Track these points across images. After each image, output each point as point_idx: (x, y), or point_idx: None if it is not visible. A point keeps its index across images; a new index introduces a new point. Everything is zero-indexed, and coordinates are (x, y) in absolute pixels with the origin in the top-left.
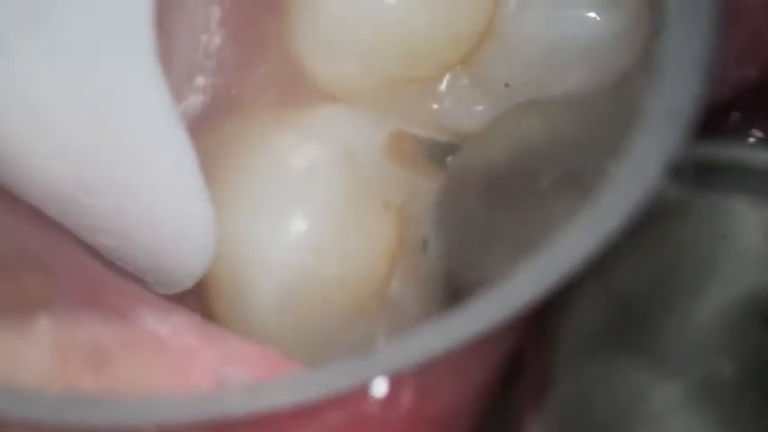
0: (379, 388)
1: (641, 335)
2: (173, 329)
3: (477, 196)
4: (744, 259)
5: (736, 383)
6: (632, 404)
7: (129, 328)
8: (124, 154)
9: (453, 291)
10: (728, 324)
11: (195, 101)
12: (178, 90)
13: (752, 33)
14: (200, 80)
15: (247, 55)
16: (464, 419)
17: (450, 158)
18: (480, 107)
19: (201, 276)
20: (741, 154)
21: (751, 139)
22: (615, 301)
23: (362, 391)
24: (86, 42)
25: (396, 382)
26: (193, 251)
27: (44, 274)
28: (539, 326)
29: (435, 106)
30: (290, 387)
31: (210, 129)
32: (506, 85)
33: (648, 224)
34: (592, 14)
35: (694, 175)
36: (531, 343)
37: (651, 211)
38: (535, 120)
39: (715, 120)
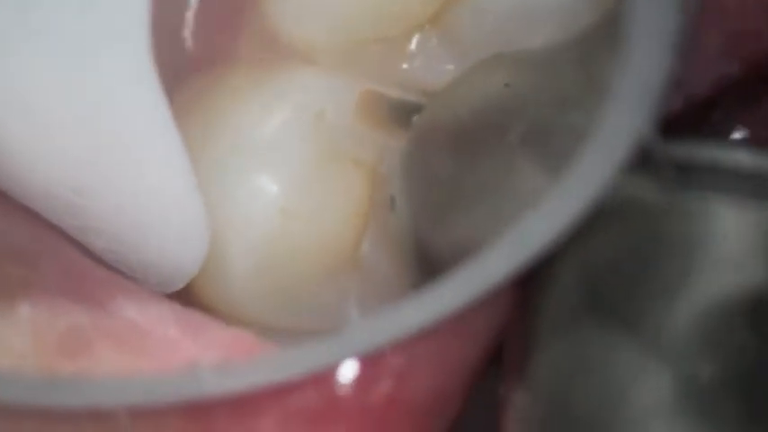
0: (352, 369)
1: (622, 325)
2: (153, 318)
3: (444, 153)
4: (724, 260)
5: (717, 384)
6: (612, 388)
7: (110, 316)
8: (120, 156)
9: (423, 250)
10: (710, 325)
11: (166, 62)
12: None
13: (734, 30)
14: (172, 41)
15: (220, 15)
16: (448, 404)
17: (415, 116)
18: (450, 66)
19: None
20: (722, 155)
21: (735, 136)
22: (595, 286)
23: (335, 372)
24: (84, 43)
25: (372, 363)
26: (186, 253)
27: (25, 264)
28: (518, 305)
29: (405, 66)
30: (262, 367)
31: (181, 89)
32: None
33: (629, 222)
34: None
35: (675, 175)
36: (512, 323)
37: (631, 208)
38: (501, 75)
39: (696, 117)
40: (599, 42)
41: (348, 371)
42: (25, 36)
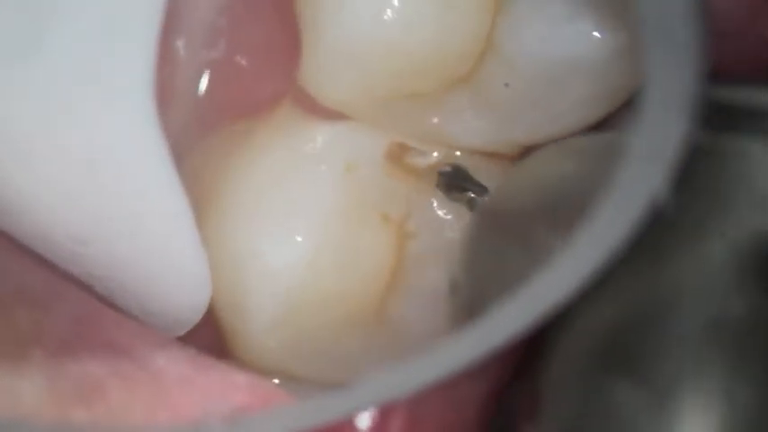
0: (363, 421)
1: (635, 353)
2: (167, 361)
3: (509, 239)
4: (759, 200)
5: (747, 321)
6: (617, 420)
7: (122, 359)
8: (118, 205)
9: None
10: (742, 263)
11: (195, 112)
12: (181, 102)
13: (736, 51)
14: (202, 92)
15: (249, 69)
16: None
17: (470, 193)
18: (480, 123)
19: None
20: (761, 97)
21: None
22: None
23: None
24: (86, 95)
25: (384, 413)
26: (187, 302)
27: (37, 309)
28: (533, 342)
29: (435, 120)
30: (274, 419)
31: (211, 138)
32: (506, 84)
33: None
34: (593, 32)
35: (713, 116)
36: (525, 358)
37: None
38: (566, 163)
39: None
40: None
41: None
42: (27, 85)
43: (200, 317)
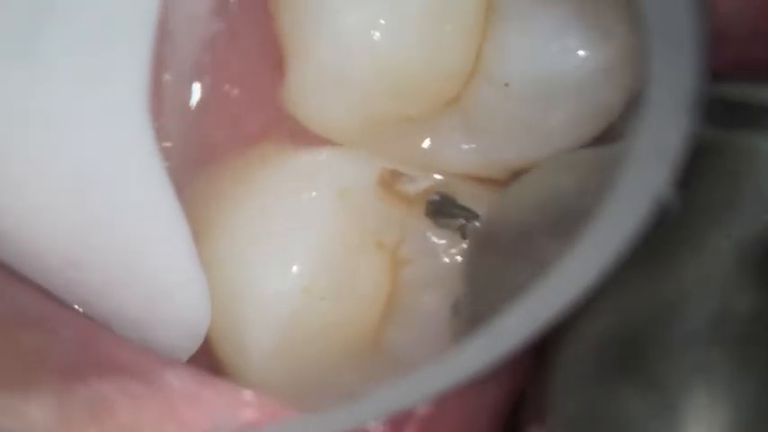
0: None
1: (640, 356)
2: (174, 379)
3: (509, 254)
4: (763, 197)
5: (752, 314)
6: (623, 424)
7: (129, 378)
8: (113, 230)
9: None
10: (748, 257)
11: (187, 145)
12: (171, 135)
13: (737, 57)
14: (193, 124)
15: (239, 100)
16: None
17: (461, 220)
18: (471, 145)
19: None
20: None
21: None
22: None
23: None
24: (77, 113)
25: (397, 424)
26: (186, 329)
27: (40, 332)
28: (539, 350)
29: (426, 144)
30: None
31: (204, 171)
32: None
33: None
34: (580, 51)
35: (722, 112)
36: (533, 363)
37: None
38: (564, 176)
39: None
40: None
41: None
42: (13, 105)
43: (200, 343)
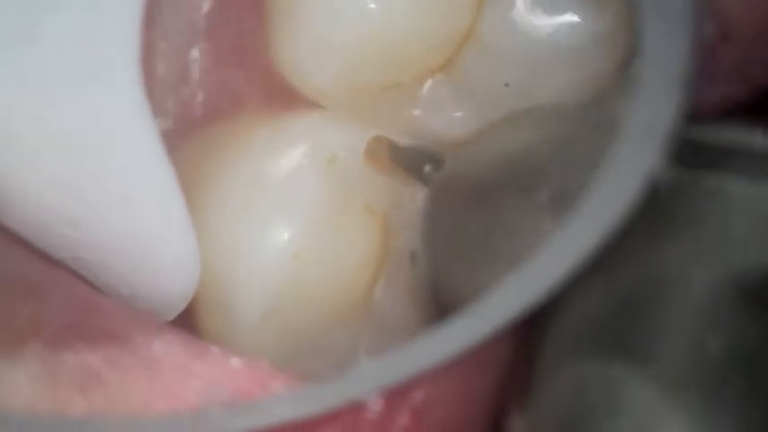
0: (371, 405)
1: (627, 331)
2: (163, 348)
3: (466, 208)
4: (735, 238)
5: (723, 358)
6: (611, 402)
7: (118, 348)
8: (108, 187)
9: (440, 303)
10: (715, 304)
11: (177, 110)
12: (161, 100)
13: (741, 57)
14: (183, 89)
15: (229, 64)
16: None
17: (427, 168)
18: (460, 113)
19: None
20: (736, 136)
21: None
22: (608, 295)
23: (355, 409)
24: (68, 71)
25: (390, 398)
26: (177, 284)
27: (33, 299)
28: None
29: (416, 112)
30: (277, 405)
31: (193, 136)
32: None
33: (645, 201)
34: (574, 18)
35: (689, 154)
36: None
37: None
38: (525, 132)
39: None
40: (614, 98)
41: (366, 407)
42: (6, 65)
43: (189, 299)
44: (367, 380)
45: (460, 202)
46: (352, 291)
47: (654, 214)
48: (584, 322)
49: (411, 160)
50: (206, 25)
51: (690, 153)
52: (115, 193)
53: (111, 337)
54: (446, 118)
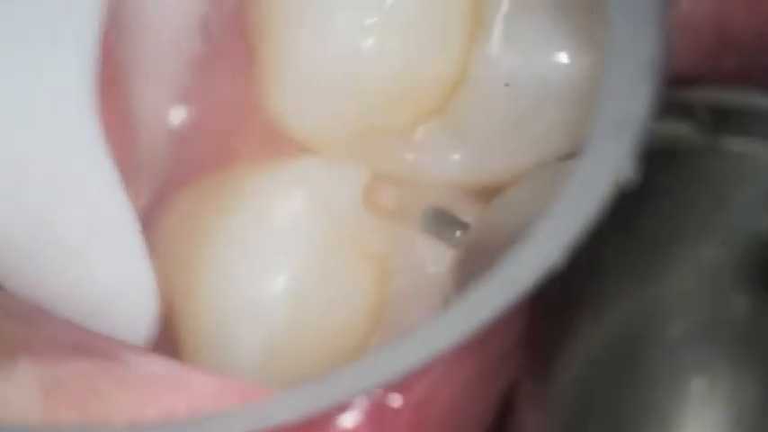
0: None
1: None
2: (155, 366)
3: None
4: (757, 199)
5: (747, 322)
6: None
7: (114, 363)
8: (53, 231)
9: None
10: (742, 259)
11: (172, 160)
12: (156, 150)
13: (742, 61)
14: (174, 143)
15: (223, 113)
16: (476, 419)
17: (458, 233)
18: (456, 156)
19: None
20: (756, 100)
21: None
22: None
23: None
24: (22, 100)
25: (393, 391)
26: (135, 324)
27: (25, 323)
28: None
29: (411, 156)
30: (277, 406)
31: (190, 186)
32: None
33: (668, 162)
34: (563, 58)
35: (712, 118)
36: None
37: (670, 149)
38: (540, 190)
39: None
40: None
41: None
42: None
43: (151, 335)
44: (350, 383)
45: (492, 256)
46: (349, 335)
47: (675, 175)
48: (595, 345)
49: (441, 228)
50: (197, 82)
51: (712, 118)
52: (62, 235)
53: (105, 354)
54: (441, 161)
